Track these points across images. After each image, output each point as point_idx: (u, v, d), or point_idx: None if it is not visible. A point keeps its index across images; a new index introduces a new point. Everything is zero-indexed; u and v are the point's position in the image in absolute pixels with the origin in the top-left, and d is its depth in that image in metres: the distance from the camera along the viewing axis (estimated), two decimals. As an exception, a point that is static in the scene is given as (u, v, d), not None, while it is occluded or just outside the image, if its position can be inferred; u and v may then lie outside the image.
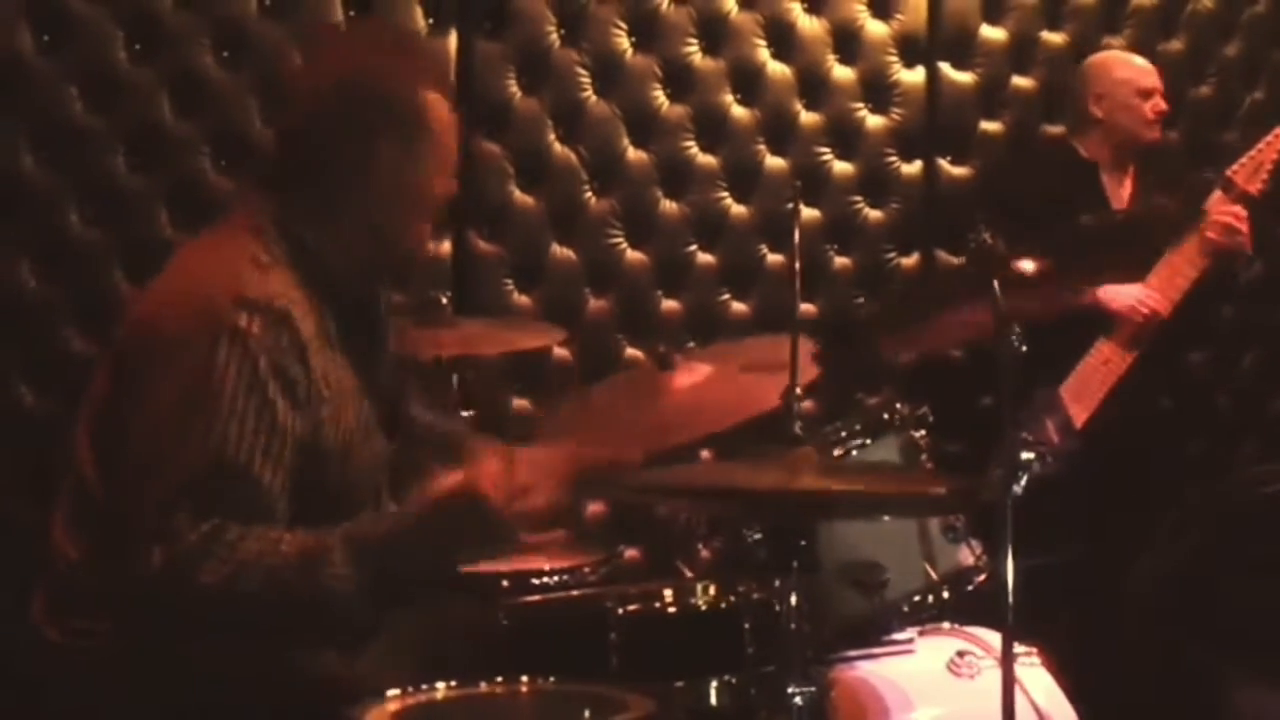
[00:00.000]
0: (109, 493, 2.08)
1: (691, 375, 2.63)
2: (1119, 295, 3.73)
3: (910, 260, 4.09)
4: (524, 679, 2.02)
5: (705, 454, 3.66)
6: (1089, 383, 3.72)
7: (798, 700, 2.00)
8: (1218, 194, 3.79)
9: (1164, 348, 3.85)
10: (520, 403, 3.71)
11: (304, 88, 2.23)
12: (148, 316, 2.13)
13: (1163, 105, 3.89)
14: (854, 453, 2.62)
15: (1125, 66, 3.96)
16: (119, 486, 2.05)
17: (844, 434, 2.66)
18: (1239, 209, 3.77)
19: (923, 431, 2.70)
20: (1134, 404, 3.79)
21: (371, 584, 2.01)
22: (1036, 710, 2.60)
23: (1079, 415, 3.63)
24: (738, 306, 3.93)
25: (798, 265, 2.22)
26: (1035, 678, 2.66)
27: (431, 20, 3.63)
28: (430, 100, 2.18)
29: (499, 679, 2.02)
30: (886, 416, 2.70)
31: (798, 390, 2.17)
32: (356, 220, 2.17)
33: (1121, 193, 3.93)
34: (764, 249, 3.94)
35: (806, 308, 3.90)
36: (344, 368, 2.15)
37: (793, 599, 2.04)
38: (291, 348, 2.05)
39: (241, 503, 2.00)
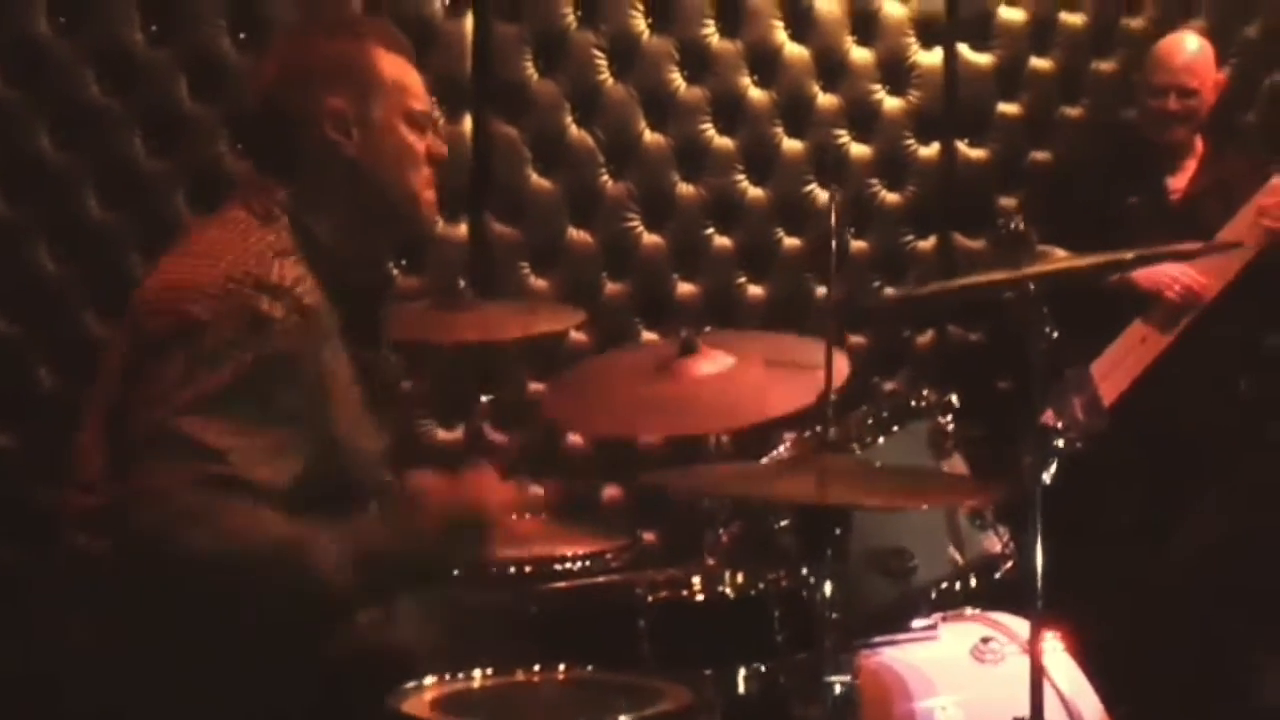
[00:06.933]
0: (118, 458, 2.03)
1: (714, 363, 2.61)
2: (1152, 273, 3.65)
3: (927, 243, 4.07)
4: (561, 667, 2.02)
5: (725, 439, 3.67)
6: (1122, 361, 3.66)
7: (836, 689, 1.99)
8: (1275, 181, 3.71)
9: (1237, 330, 3.77)
10: (537, 386, 3.70)
11: (259, 75, 2.27)
12: (169, 294, 2.09)
13: (1171, 105, 3.79)
14: (882, 440, 2.61)
15: (1151, 57, 3.89)
16: (125, 452, 2.01)
17: (870, 421, 2.65)
18: None
19: (949, 417, 2.69)
20: (1212, 387, 3.72)
21: (361, 586, 2.00)
22: (1061, 697, 2.60)
23: (1109, 394, 3.51)
24: (754, 290, 3.91)
25: (834, 245, 2.17)
26: (1059, 663, 2.66)
27: (448, 2, 3.61)
28: (379, 55, 2.19)
29: (535, 667, 2.02)
30: (913, 403, 2.69)
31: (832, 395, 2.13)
32: (346, 195, 2.17)
33: (1182, 176, 3.87)
34: (781, 232, 3.92)
35: (822, 291, 3.88)
36: (346, 361, 2.15)
37: (827, 587, 2.03)
38: (310, 337, 2.06)
39: (241, 487, 1.96)
